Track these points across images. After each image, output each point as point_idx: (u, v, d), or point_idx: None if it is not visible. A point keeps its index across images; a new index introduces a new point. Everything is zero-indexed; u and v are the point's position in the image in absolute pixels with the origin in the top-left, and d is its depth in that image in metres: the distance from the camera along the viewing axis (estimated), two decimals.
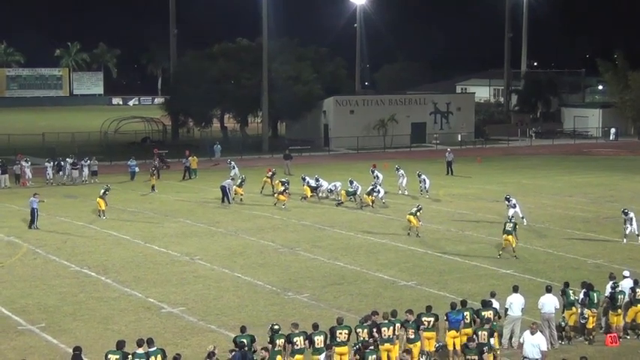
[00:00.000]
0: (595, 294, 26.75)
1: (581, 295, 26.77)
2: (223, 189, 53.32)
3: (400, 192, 56.19)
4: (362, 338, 23.15)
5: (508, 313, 25.79)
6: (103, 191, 49.37)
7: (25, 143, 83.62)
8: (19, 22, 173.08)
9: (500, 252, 38.04)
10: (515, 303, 25.86)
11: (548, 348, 24.58)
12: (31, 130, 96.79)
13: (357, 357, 22.30)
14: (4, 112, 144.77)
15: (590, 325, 26.47)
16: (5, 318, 29.15)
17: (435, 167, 68.65)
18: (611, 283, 27.53)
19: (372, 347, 22.58)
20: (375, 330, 23.59)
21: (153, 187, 58.15)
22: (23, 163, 63.28)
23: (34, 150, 76.83)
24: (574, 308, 26.53)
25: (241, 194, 53.95)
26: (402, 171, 56.92)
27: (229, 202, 52.97)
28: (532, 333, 23.47)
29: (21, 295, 31.90)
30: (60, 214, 49.41)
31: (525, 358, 23.34)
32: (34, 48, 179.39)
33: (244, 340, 22.39)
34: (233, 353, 21.94)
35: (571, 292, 26.80)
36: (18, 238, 42.54)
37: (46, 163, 63.92)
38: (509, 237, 37.71)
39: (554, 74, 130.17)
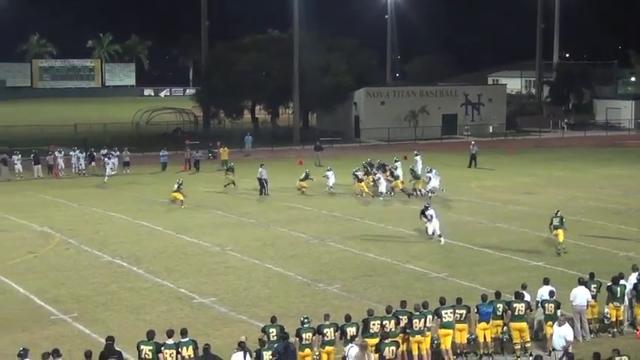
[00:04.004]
0: (618, 288, 26.56)
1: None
2: (260, 181, 53.40)
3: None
4: (389, 329, 23.14)
5: (539, 305, 25.71)
6: (177, 186, 49.77)
7: (57, 134, 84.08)
8: (52, 13, 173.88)
9: (559, 248, 37.12)
10: (546, 295, 25.76)
11: (578, 339, 24.65)
12: (64, 121, 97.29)
13: (373, 348, 22.24)
14: (36, 103, 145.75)
15: (614, 318, 26.37)
16: (38, 308, 29.39)
17: (464, 159, 68.24)
18: (636, 274, 27.36)
19: (391, 339, 22.51)
20: (402, 320, 23.59)
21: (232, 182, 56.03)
22: (56, 154, 63.72)
23: (66, 141, 77.17)
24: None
25: (305, 187, 53.91)
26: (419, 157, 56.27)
27: (266, 194, 52.99)
28: (560, 324, 23.44)
29: (54, 285, 32.14)
30: (92, 205, 49.70)
31: (554, 349, 23.30)
32: (66, 39, 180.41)
33: (274, 330, 22.49)
34: (276, 344, 21.93)
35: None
36: (51, 228, 42.81)
37: (75, 152, 64.23)
38: (559, 231, 37.22)
39: (586, 66, 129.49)
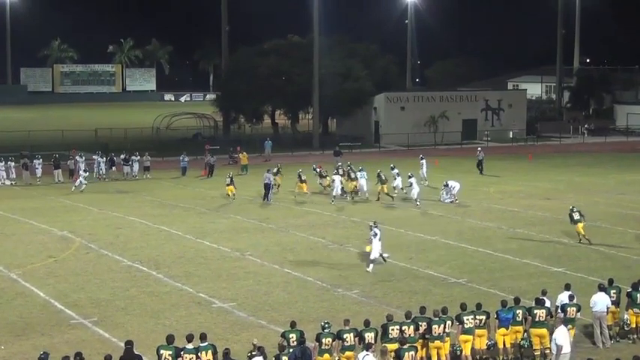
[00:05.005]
0: (638, 294, 26.38)
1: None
2: (266, 186, 53.33)
3: (396, 192, 53.88)
4: (408, 335, 23.07)
5: (559, 310, 25.62)
6: (229, 180, 52.99)
7: (78, 139, 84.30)
8: (73, 18, 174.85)
9: (581, 239, 39.49)
10: (566, 300, 25.64)
11: (598, 345, 24.57)
12: (84, 126, 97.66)
13: (393, 354, 22.17)
14: (57, 108, 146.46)
15: (634, 324, 26.22)
16: (58, 312, 29.49)
17: (484, 164, 67.98)
18: None
19: (410, 344, 22.45)
20: (422, 326, 23.54)
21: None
22: (77, 158, 63.97)
23: (86, 145, 77.50)
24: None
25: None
26: (396, 170, 55.09)
27: (268, 200, 52.95)
28: (556, 326, 23.52)
29: (74, 290, 32.25)
30: (112, 209, 49.86)
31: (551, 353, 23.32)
32: (87, 44, 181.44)
33: (293, 335, 22.47)
34: (291, 349, 21.96)
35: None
36: (71, 232, 42.96)
37: (96, 157, 64.39)
38: (582, 224, 39.50)
39: (607, 71, 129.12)
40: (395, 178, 54.29)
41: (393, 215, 48.09)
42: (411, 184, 51.18)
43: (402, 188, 53.88)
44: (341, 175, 54.07)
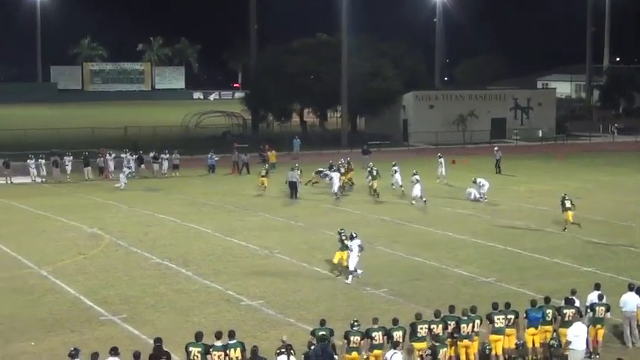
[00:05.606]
0: None
1: None
2: (292, 184, 53.41)
3: (394, 187, 55.15)
4: (437, 334, 23.03)
5: (588, 310, 25.50)
6: (265, 172, 56.00)
7: (107, 137, 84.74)
8: (103, 17, 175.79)
9: (566, 226, 42.06)
10: (595, 299, 25.50)
11: (628, 345, 24.53)
12: (114, 123, 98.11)
13: (429, 352, 22.15)
14: (87, 106, 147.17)
15: None
16: (88, 308, 29.64)
17: (512, 164, 67.67)
18: None
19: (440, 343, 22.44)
20: (450, 325, 23.49)
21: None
22: (107, 156, 64.33)
23: (116, 143, 77.74)
24: None
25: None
26: (396, 167, 55.70)
27: (297, 197, 53.04)
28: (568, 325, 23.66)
29: (103, 286, 32.40)
30: (142, 207, 50.06)
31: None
32: (117, 43, 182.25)
33: (324, 333, 22.44)
34: (313, 347, 22.00)
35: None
36: (101, 229, 43.16)
37: (125, 155, 64.59)
38: (569, 213, 42.17)
39: (637, 69, 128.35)
40: (393, 175, 54.98)
41: (421, 214, 48.00)
42: (417, 182, 50.80)
43: (398, 185, 54.68)
44: (340, 172, 54.76)
